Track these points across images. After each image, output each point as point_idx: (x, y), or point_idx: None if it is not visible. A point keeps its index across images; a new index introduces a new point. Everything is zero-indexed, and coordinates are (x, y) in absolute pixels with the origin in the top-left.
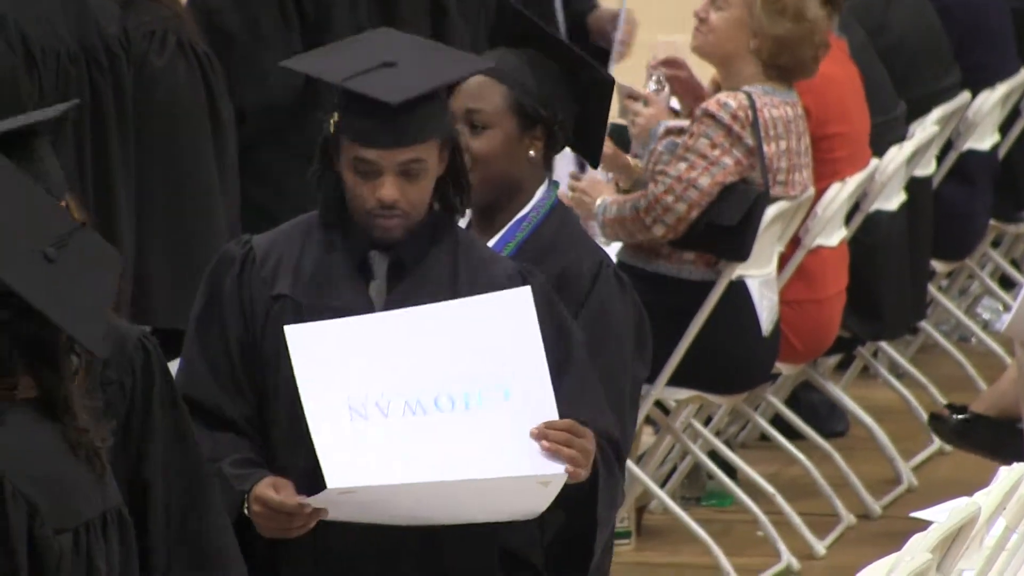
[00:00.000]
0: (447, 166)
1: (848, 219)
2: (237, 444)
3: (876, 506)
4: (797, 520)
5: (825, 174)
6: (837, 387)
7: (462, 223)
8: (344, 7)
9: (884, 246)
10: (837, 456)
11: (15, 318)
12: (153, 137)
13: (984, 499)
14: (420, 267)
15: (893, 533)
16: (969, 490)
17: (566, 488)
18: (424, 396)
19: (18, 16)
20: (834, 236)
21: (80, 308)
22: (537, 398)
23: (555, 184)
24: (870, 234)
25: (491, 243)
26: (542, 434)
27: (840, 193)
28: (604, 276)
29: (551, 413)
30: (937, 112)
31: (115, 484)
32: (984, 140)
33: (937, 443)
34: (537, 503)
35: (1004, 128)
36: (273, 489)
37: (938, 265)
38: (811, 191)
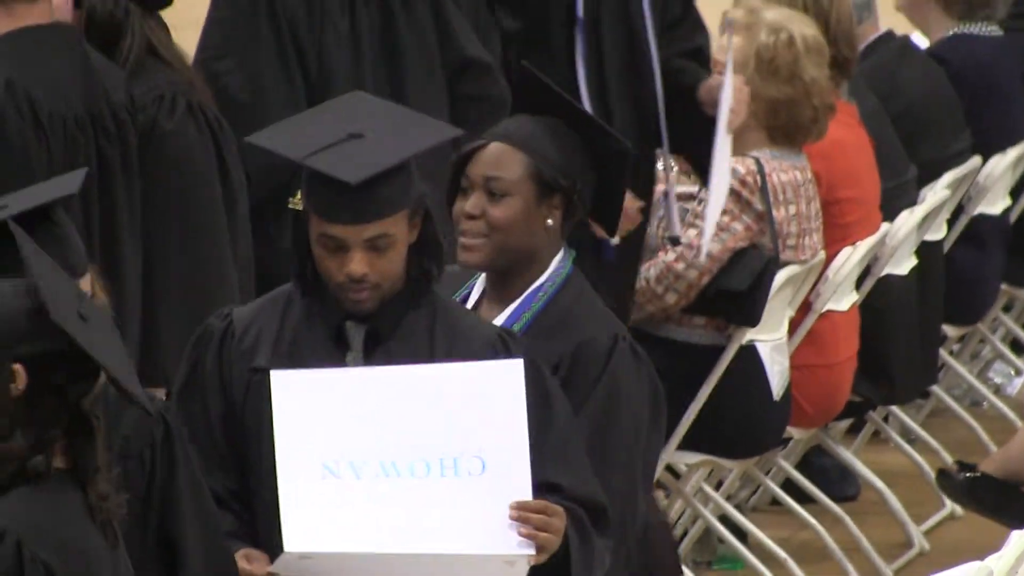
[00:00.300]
0: (419, 232)
1: (859, 283)
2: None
3: (888, 570)
4: None
5: (836, 238)
6: (848, 451)
7: (477, 289)
8: (346, 63)
9: (895, 310)
10: (848, 520)
11: (69, 382)
12: (165, 198)
13: (996, 563)
14: (396, 335)
15: None
16: (981, 554)
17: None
18: (400, 459)
19: (26, 82)
20: (844, 300)
21: (121, 363)
22: (514, 474)
23: (571, 253)
24: (881, 298)
25: (507, 312)
26: (520, 516)
27: (851, 258)
28: (619, 350)
29: (525, 491)
30: (948, 176)
31: (127, 559)
32: (995, 204)
33: (949, 507)
34: None
35: (1015, 192)
36: (246, 560)
37: (949, 329)
38: (822, 255)
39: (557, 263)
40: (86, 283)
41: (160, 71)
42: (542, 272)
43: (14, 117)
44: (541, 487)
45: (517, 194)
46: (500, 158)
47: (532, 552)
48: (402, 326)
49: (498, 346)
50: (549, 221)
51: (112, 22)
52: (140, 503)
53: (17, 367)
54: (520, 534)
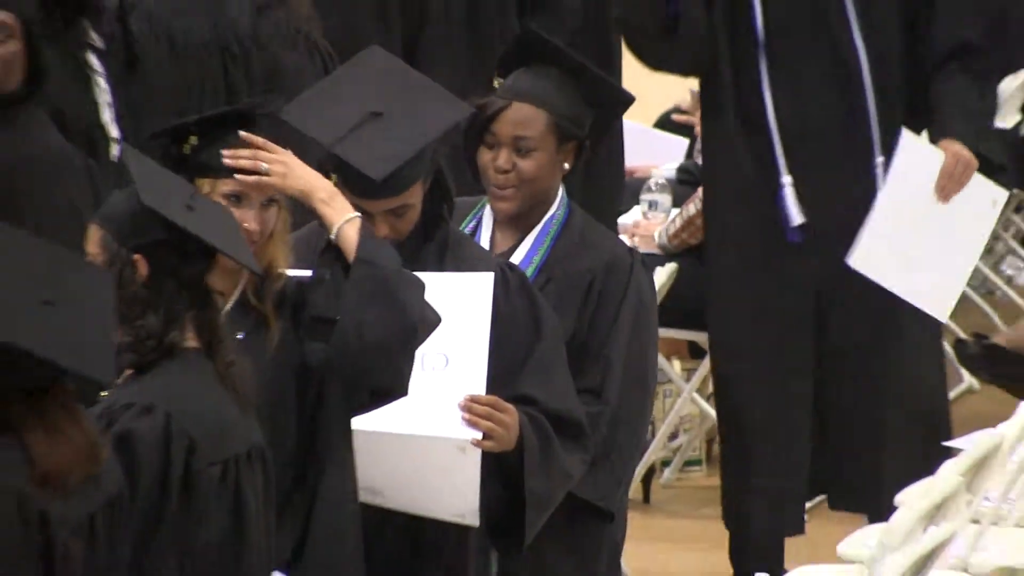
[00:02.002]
0: (431, 180)
1: None
2: None
3: None
4: None
5: None
6: None
7: (487, 218)
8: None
9: None
10: None
11: (183, 263)
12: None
13: (1007, 430)
14: (412, 265)
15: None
16: (994, 423)
17: (501, 463)
18: None
19: (162, 11)
20: None
21: (228, 240)
22: (471, 371)
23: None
24: None
25: (529, 240)
26: (466, 406)
27: None
28: (636, 265)
29: (480, 387)
30: None
31: (256, 424)
32: (1007, 119)
33: (967, 382)
34: (463, 488)
35: None
36: None
37: None
38: None
39: (561, 192)
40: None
41: (283, 8)
42: (553, 202)
43: (152, 46)
44: (518, 399)
45: (542, 148)
46: (525, 118)
47: (476, 437)
48: (418, 258)
49: (498, 274)
50: (566, 165)
51: None
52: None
53: (137, 257)
54: (464, 419)
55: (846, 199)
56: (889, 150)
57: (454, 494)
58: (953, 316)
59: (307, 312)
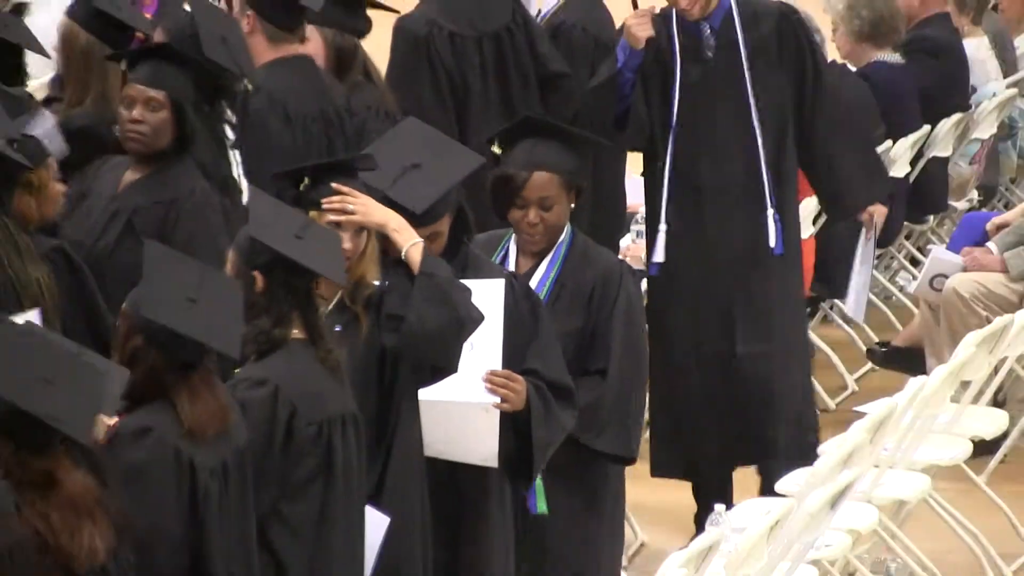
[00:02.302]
0: (455, 215)
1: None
2: None
3: (832, 404)
4: None
5: (799, 192)
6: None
7: (512, 248)
8: (477, 87)
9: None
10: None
11: (291, 276)
12: None
13: (900, 399)
14: None
15: (843, 421)
16: (891, 392)
17: (514, 420)
18: None
19: (279, 92)
20: (806, 232)
21: (326, 263)
22: (490, 353)
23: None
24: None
25: (545, 262)
26: (488, 378)
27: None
28: (625, 273)
29: (496, 364)
30: None
31: (350, 395)
32: (900, 170)
33: (870, 365)
34: (487, 439)
35: (913, 163)
36: None
37: None
38: None
39: (567, 222)
40: None
41: (369, 89)
42: (562, 232)
43: (272, 117)
44: (525, 372)
45: (559, 201)
46: (546, 184)
47: (497, 400)
48: None
49: (507, 283)
50: (572, 205)
51: (346, 54)
52: None
53: (256, 274)
54: (486, 388)
55: (743, 239)
56: (780, 204)
57: (480, 444)
58: (865, 318)
59: (383, 310)
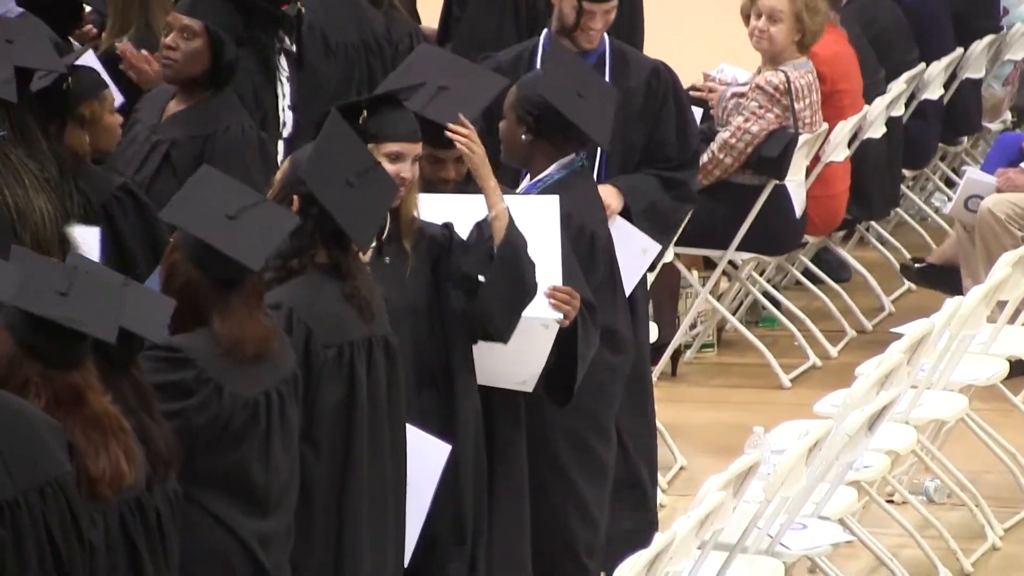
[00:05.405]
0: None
1: (850, 144)
2: None
3: (869, 325)
4: (819, 334)
5: (836, 115)
6: (844, 249)
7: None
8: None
9: (872, 160)
10: (844, 294)
11: (322, 213)
12: None
13: (936, 319)
14: (470, 190)
15: (880, 342)
16: (928, 313)
17: (560, 334)
18: None
19: (319, 22)
20: (841, 154)
21: (355, 218)
22: (550, 269)
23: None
24: (863, 152)
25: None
26: (551, 293)
27: (844, 127)
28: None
29: (557, 280)
30: (905, 75)
31: (380, 322)
32: (934, 92)
33: (907, 284)
34: (538, 356)
35: (947, 84)
36: None
37: (907, 172)
38: (825, 126)
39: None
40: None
41: (397, 17)
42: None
43: (311, 47)
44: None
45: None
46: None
47: (560, 316)
48: (467, 190)
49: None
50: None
51: None
52: None
53: (294, 197)
54: (551, 305)
55: None
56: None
57: (530, 363)
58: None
59: (458, 267)
